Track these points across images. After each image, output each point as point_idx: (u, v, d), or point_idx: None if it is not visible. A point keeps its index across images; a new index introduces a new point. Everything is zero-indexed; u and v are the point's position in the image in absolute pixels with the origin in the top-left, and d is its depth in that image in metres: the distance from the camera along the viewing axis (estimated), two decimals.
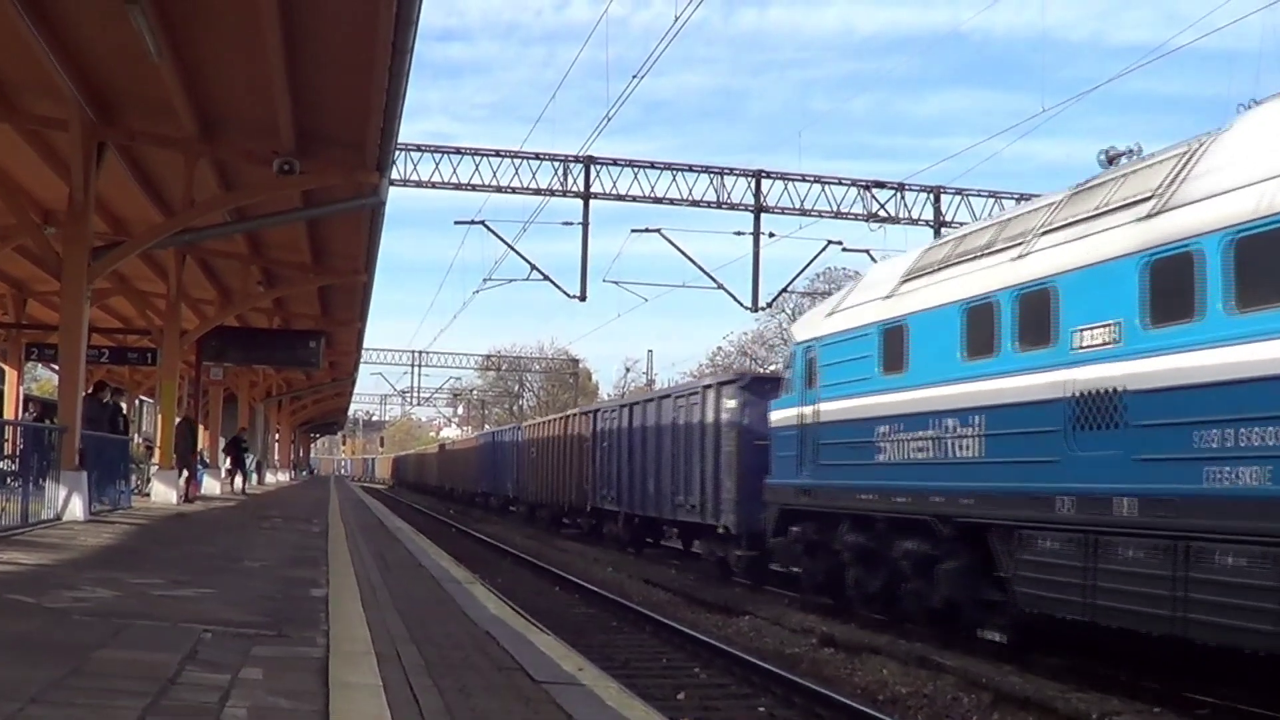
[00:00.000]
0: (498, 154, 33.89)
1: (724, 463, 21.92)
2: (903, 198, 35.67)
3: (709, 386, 23.66)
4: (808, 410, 17.45)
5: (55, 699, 5.07)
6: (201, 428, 33.81)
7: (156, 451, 28.17)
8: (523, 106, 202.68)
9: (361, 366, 58.23)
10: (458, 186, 33.73)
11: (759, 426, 20.22)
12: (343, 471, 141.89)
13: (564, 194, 34.00)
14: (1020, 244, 13.06)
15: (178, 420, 26.57)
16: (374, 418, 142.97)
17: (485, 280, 42.85)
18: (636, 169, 34.29)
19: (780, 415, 18.72)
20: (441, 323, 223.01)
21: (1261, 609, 9.31)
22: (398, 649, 7.37)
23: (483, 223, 35.68)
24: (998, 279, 13.12)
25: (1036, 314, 12.37)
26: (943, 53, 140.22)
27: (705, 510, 22.83)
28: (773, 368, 45.11)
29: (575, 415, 36.26)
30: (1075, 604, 11.40)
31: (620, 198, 34.15)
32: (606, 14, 63.94)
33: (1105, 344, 11.28)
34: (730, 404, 21.95)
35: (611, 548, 29.89)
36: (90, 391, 22.36)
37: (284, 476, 60.05)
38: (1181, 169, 10.97)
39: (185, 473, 26.34)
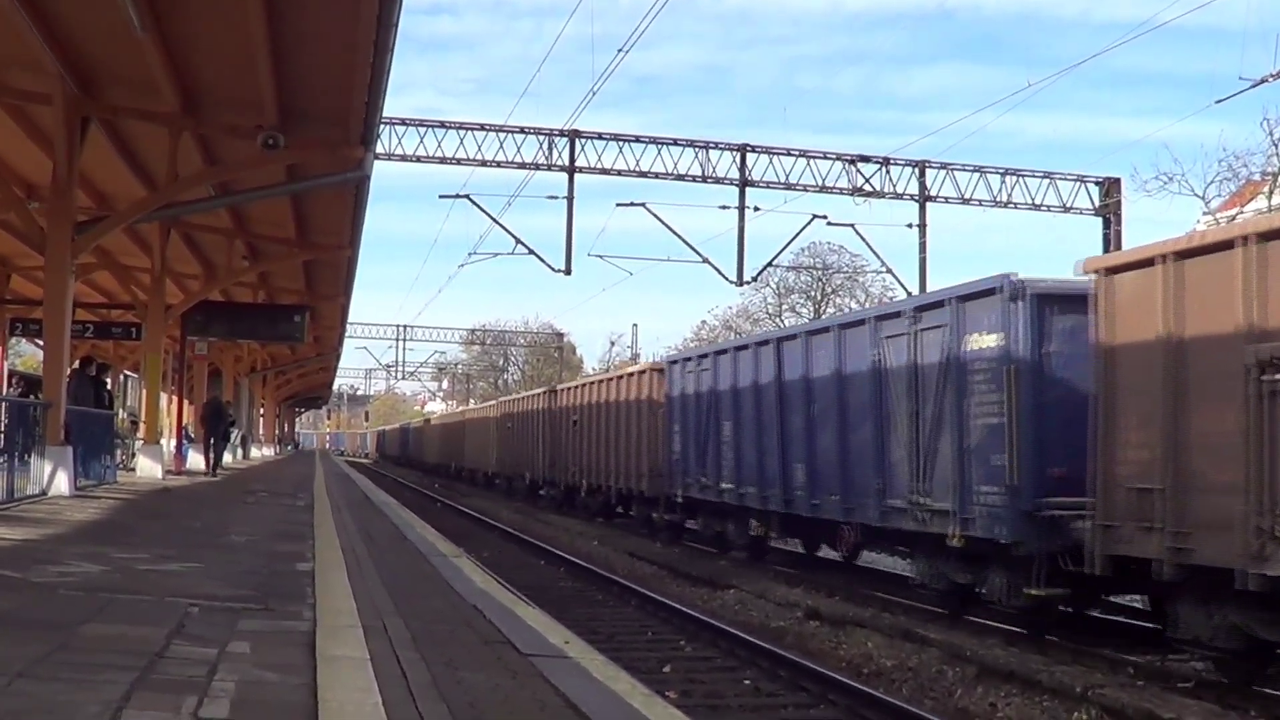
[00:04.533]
0: (482, 128, 33.76)
1: None
2: (888, 172, 35.61)
3: None
4: None
5: (42, 674, 5.07)
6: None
7: (141, 426, 28.11)
8: (510, 81, 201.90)
9: (346, 341, 58.12)
10: (443, 160, 33.62)
11: None
12: (367, 448, 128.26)
13: (549, 168, 33.87)
14: None
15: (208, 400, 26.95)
16: (359, 392, 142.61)
17: (470, 254, 42.98)
18: (622, 143, 34.19)
19: None
20: (426, 297, 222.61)
21: None
22: (384, 622, 7.38)
23: (467, 197, 35.51)
24: None
25: None
26: (931, 28, 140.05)
27: None
28: None
29: None
30: None
31: (605, 172, 34.06)
32: None
33: None
34: None
35: None
36: (77, 366, 22.31)
37: (269, 451, 59.96)
38: None
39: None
